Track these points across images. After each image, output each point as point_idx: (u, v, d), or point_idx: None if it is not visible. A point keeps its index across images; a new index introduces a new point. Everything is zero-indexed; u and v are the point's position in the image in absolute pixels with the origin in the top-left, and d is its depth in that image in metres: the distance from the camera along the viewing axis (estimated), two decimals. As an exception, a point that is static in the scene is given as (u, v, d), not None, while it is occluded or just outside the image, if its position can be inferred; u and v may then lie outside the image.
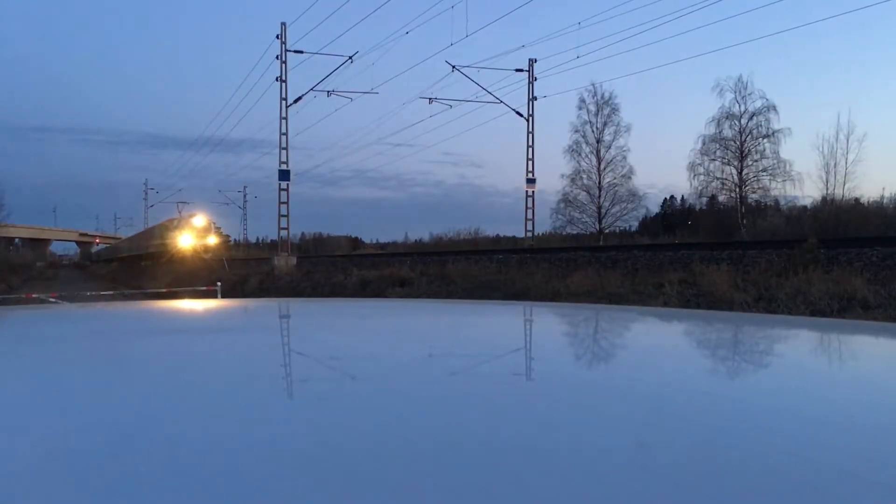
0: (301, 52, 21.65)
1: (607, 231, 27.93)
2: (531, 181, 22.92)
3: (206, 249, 37.64)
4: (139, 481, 0.40)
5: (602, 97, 27.40)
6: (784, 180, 25.07)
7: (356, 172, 65.27)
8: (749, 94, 25.36)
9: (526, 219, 22.82)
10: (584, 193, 27.79)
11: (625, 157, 27.46)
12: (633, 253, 9.99)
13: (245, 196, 54.40)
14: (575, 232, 28.38)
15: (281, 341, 1.17)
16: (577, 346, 1.09)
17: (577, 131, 27.72)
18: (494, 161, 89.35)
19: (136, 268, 45.97)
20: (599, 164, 27.51)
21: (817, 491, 0.40)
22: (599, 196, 27.43)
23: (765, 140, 25.44)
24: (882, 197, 22.11)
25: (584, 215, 27.92)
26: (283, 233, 21.74)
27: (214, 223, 39.97)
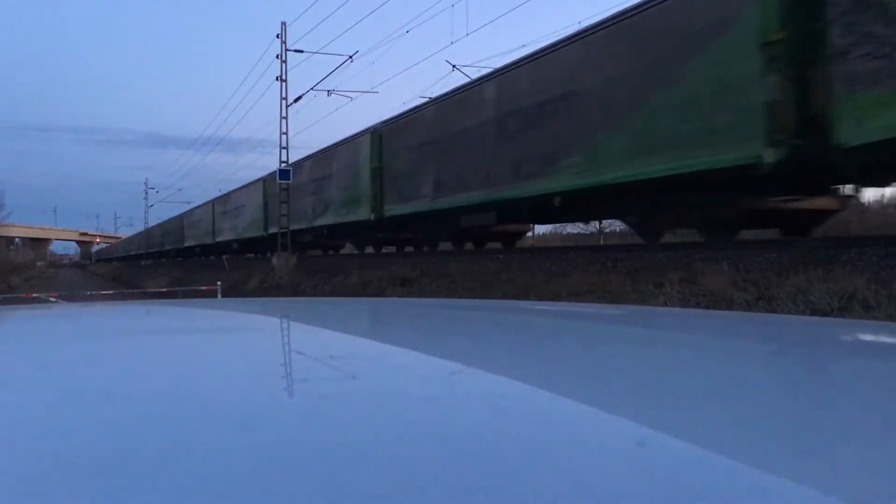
0: (301, 51, 21.61)
1: (607, 231, 27.88)
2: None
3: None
4: (139, 481, 0.40)
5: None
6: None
7: (358, 171, 64.85)
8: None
9: (528, 218, 22.32)
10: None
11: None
12: (633, 252, 9.98)
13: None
14: (575, 232, 28.35)
15: (281, 341, 1.17)
16: (578, 345, 1.09)
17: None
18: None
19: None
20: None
21: (819, 489, 0.40)
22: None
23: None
24: (882, 196, 21.96)
25: (586, 214, 27.57)
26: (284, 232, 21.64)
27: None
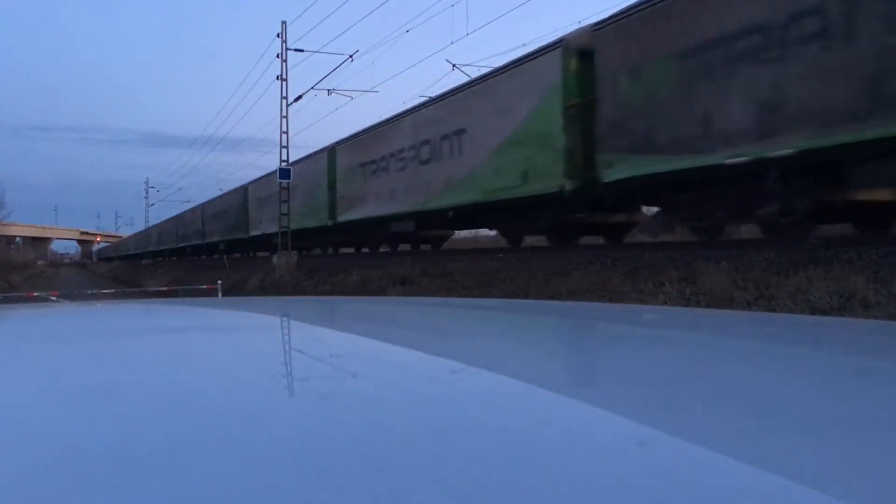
0: (301, 50, 21.63)
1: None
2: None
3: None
4: (140, 479, 0.40)
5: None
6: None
7: (358, 170, 64.49)
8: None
9: (528, 217, 22.37)
10: (586, 191, 27.41)
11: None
12: (633, 252, 9.98)
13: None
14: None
15: (282, 339, 1.17)
16: (578, 344, 1.09)
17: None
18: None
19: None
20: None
21: (819, 488, 0.40)
22: (601, 194, 27.00)
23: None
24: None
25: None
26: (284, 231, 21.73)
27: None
